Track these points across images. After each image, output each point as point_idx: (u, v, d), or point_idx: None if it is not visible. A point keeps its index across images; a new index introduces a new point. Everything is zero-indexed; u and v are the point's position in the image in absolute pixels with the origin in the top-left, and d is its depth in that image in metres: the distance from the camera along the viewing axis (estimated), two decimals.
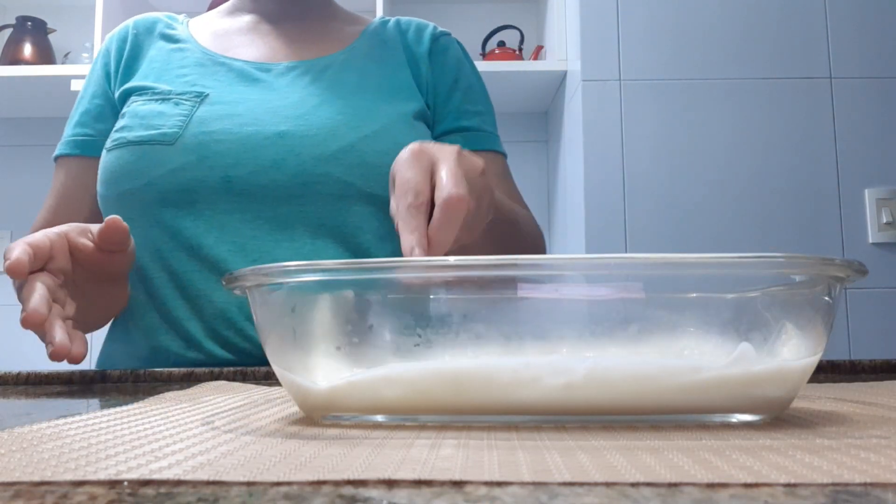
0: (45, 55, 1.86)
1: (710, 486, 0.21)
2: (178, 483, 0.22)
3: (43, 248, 0.61)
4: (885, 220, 1.64)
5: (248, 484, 0.22)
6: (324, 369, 0.34)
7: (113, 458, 0.26)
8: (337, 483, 0.22)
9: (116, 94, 0.85)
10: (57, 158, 0.87)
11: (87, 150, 0.85)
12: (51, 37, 1.90)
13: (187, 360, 0.76)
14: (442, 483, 0.22)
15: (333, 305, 0.34)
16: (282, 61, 0.85)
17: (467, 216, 0.47)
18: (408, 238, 0.45)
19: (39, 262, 0.61)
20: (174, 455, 0.26)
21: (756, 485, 0.21)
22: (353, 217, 0.77)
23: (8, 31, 1.89)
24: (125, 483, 0.22)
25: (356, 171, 0.76)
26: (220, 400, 0.46)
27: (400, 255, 0.75)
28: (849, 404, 0.41)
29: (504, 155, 0.91)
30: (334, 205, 0.77)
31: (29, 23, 1.86)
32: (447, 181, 0.46)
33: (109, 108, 0.86)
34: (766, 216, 1.65)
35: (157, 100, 0.80)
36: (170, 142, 0.76)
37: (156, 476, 0.23)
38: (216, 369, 0.64)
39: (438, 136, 0.86)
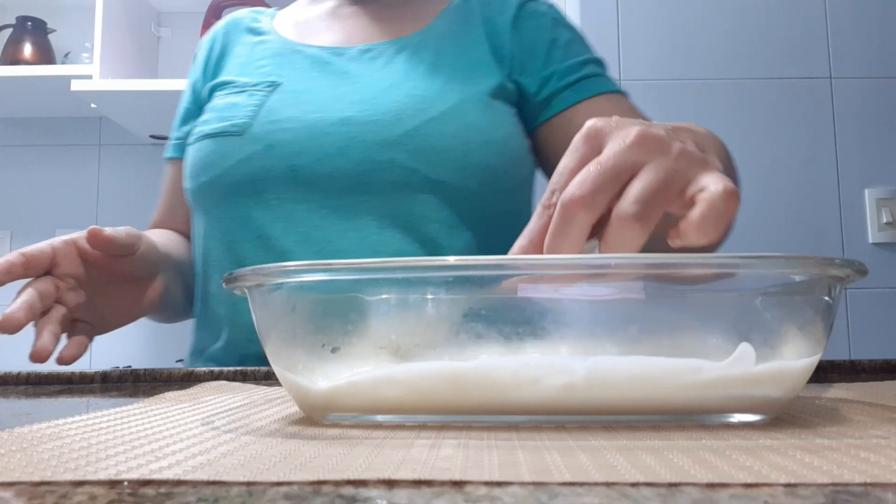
0: (45, 55, 1.86)
1: (710, 486, 0.21)
2: (178, 483, 0.22)
3: (40, 255, 0.63)
4: (885, 220, 1.65)
5: (248, 484, 0.22)
6: (324, 369, 0.34)
7: (113, 458, 0.26)
8: (337, 483, 0.22)
9: (204, 93, 0.87)
10: (167, 160, 0.93)
11: (179, 152, 0.90)
12: (51, 37, 1.90)
13: (258, 352, 0.76)
14: (442, 483, 0.22)
15: (333, 305, 0.34)
16: (357, 44, 0.83)
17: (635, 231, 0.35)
18: (524, 233, 0.38)
19: (35, 270, 0.63)
20: (174, 455, 0.26)
21: (756, 485, 0.21)
22: (419, 206, 0.74)
23: (8, 31, 1.89)
24: (125, 483, 0.22)
25: (421, 156, 0.73)
26: (221, 400, 0.46)
27: (473, 247, 0.74)
28: (849, 404, 0.41)
29: (625, 94, 0.82)
30: (399, 193, 0.74)
31: (29, 23, 1.87)
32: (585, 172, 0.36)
33: (196, 110, 0.89)
34: (766, 216, 1.65)
35: (234, 92, 0.80)
36: (239, 132, 0.76)
37: (156, 476, 0.23)
38: (216, 369, 0.64)
39: (547, 98, 0.79)
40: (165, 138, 1.92)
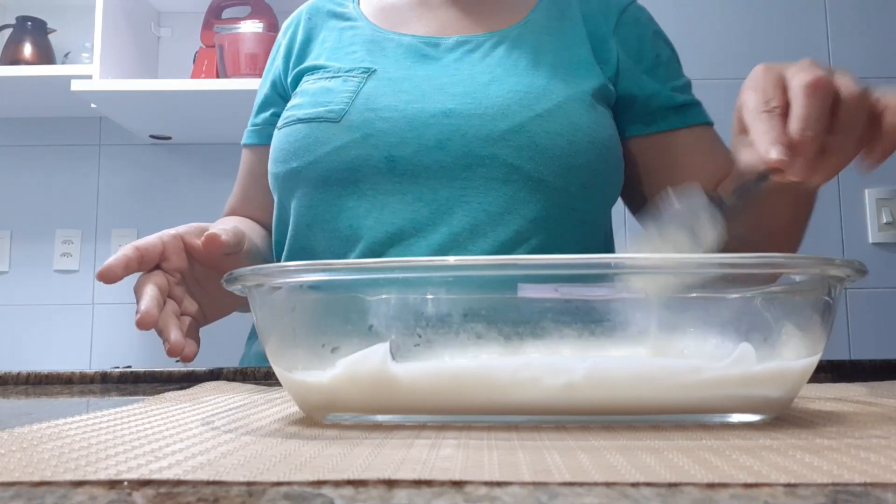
0: (45, 55, 1.86)
1: (710, 486, 0.21)
2: (178, 483, 0.22)
3: (153, 249, 0.64)
4: (885, 220, 1.65)
5: (248, 484, 0.22)
6: (324, 369, 0.34)
7: (113, 458, 0.26)
8: (337, 483, 0.22)
9: (290, 78, 0.84)
10: (243, 146, 0.90)
11: (260, 138, 0.87)
12: (51, 37, 1.90)
13: None
14: (442, 483, 0.22)
15: (333, 305, 0.34)
16: (451, 35, 0.80)
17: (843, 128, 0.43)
18: (762, 139, 0.41)
19: (148, 263, 0.63)
20: (174, 455, 0.26)
21: (756, 485, 0.21)
22: (515, 203, 0.71)
23: (8, 31, 1.89)
24: (125, 483, 0.22)
25: (525, 153, 0.70)
26: (221, 400, 0.46)
27: (552, 245, 0.72)
28: (849, 404, 0.41)
29: (712, 124, 0.83)
30: (498, 189, 0.71)
31: (29, 23, 1.87)
32: (804, 70, 0.42)
33: (278, 97, 0.87)
34: None
35: (327, 77, 0.78)
36: (336, 118, 0.74)
37: (156, 476, 0.23)
38: (216, 369, 0.64)
39: (652, 113, 0.79)
40: (165, 138, 1.93)
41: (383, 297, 0.33)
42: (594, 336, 0.33)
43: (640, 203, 0.83)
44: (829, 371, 0.63)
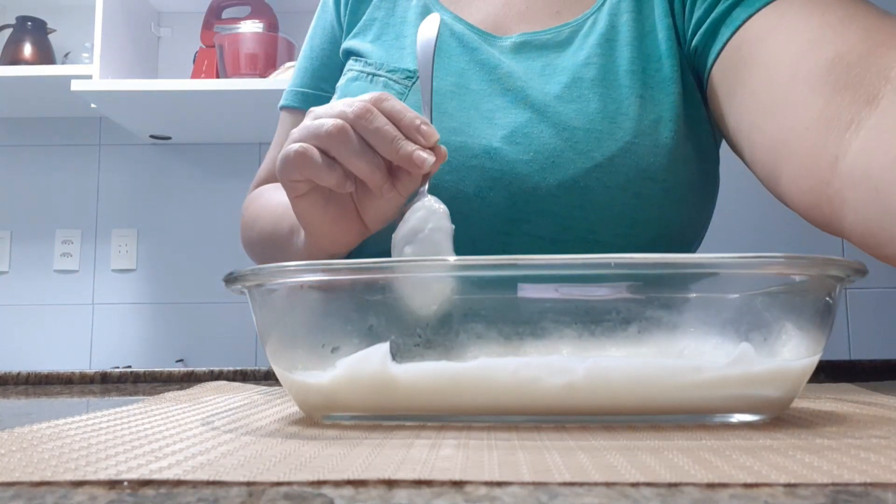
0: (45, 55, 1.87)
1: (711, 486, 0.21)
2: (178, 483, 0.22)
3: None
4: None
5: (248, 484, 0.22)
6: (324, 369, 0.34)
7: (113, 458, 0.26)
8: (337, 483, 0.22)
9: (342, 47, 0.73)
10: (281, 109, 0.78)
11: (307, 104, 0.75)
12: (51, 37, 1.91)
13: None
14: (442, 483, 0.22)
15: (333, 306, 0.34)
16: (512, 29, 0.67)
17: None
18: None
19: None
20: (174, 455, 0.26)
21: (756, 485, 0.21)
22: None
23: (8, 31, 1.89)
24: (125, 483, 0.22)
25: (578, 212, 0.59)
26: (221, 400, 0.46)
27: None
28: (849, 404, 0.41)
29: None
30: (545, 250, 0.60)
31: (29, 23, 1.87)
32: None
33: (334, 63, 0.75)
34: (767, 216, 1.65)
35: (366, 75, 0.67)
36: None
37: (156, 476, 0.23)
38: (216, 369, 0.64)
39: (713, 27, 0.59)
40: (165, 138, 1.94)
41: (383, 297, 0.33)
42: (594, 336, 0.33)
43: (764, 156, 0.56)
44: (829, 371, 0.63)
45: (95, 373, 0.64)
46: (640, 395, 0.32)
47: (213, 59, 1.77)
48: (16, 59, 1.84)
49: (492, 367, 0.31)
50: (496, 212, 0.60)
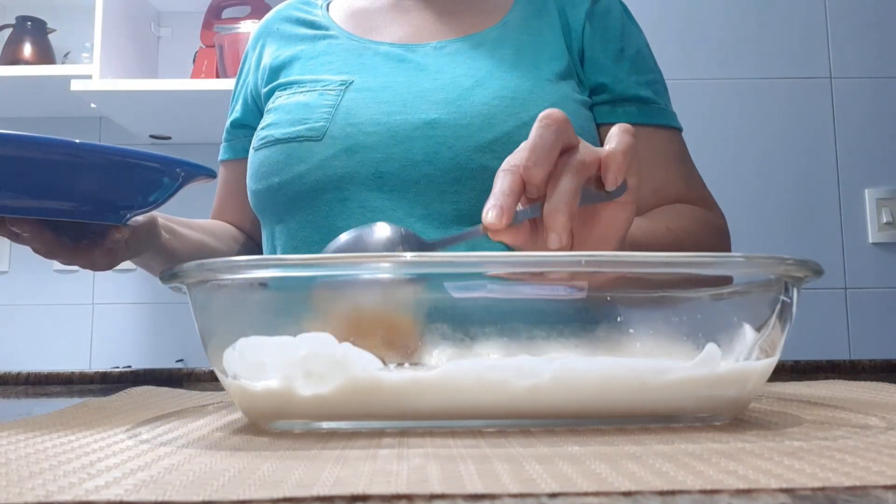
0: (45, 55, 1.84)
1: (704, 492, 0.20)
2: None
3: None
4: (885, 220, 1.65)
5: None
6: (272, 373, 0.31)
7: (38, 476, 0.23)
8: (303, 500, 0.20)
9: (263, 91, 0.81)
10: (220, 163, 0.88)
11: (237, 153, 0.85)
12: (51, 37, 1.87)
13: None
14: (423, 497, 0.20)
15: (285, 305, 0.31)
16: (428, 41, 0.78)
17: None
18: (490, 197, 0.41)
19: None
20: (109, 472, 0.23)
21: (749, 491, 0.21)
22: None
23: (8, 31, 1.86)
24: None
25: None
26: (150, 407, 0.42)
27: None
28: (842, 403, 0.41)
29: (680, 130, 0.81)
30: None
31: (29, 23, 1.84)
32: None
33: (254, 113, 0.83)
34: (766, 216, 1.66)
35: (303, 91, 0.75)
36: (317, 137, 0.70)
37: (93, 497, 0.20)
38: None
39: (611, 102, 0.76)
40: (165, 138, 1.86)
41: (340, 294, 0.31)
42: (563, 337, 0.32)
43: None
44: (829, 371, 0.63)
45: (95, 373, 0.64)
46: (609, 398, 0.31)
47: (212, 59, 1.74)
48: (16, 59, 1.82)
49: (455, 369, 0.30)
50: (444, 172, 0.68)
